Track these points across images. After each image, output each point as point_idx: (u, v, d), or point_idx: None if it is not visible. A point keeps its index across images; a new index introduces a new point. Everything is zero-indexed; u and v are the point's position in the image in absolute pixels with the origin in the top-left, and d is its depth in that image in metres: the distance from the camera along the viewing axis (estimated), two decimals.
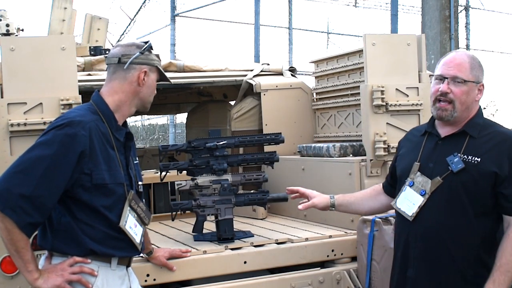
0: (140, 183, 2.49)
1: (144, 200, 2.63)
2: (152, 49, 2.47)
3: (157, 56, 2.49)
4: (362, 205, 2.88)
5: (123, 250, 2.35)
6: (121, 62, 2.39)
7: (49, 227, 2.28)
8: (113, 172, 2.30)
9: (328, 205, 2.90)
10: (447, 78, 2.45)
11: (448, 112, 2.45)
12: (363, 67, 3.60)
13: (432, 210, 2.45)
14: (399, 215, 2.57)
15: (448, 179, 2.42)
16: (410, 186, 2.52)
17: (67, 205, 2.25)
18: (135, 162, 2.53)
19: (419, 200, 2.47)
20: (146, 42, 2.46)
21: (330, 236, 3.30)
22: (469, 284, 2.40)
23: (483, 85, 2.50)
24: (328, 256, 3.25)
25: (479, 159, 2.39)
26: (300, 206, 2.93)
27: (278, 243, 3.20)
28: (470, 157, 2.40)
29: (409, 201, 2.51)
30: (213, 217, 3.27)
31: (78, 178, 2.22)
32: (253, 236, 3.31)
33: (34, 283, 2.20)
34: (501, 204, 2.38)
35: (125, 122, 2.47)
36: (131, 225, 2.34)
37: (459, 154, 2.41)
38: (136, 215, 2.38)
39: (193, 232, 3.32)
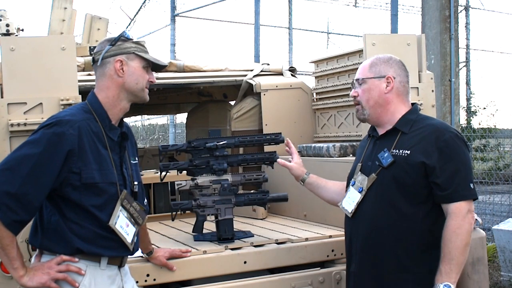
0: (135, 182, 2.47)
1: (146, 199, 2.63)
2: (129, 38, 2.42)
3: (137, 43, 2.44)
4: (327, 193, 3.04)
5: (113, 250, 2.35)
6: (95, 61, 2.40)
7: (40, 226, 2.29)
8: (104, 171, 2.30)
9: (300, 177, 3.09)
10: (353, 84, 2.68)
11: (359, 112, 2.67)
12: None
13: (367, 205, 2.57)
14: (345, 215, 2.71)
15: (381, 174, 2.55)
16: (352, 186, 2.68)
17: (57, 204, 2.26)
18: (134, 162, 2.53)
19: (357, 197, 2.62)
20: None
21: (330, 236, 3.30)
22: (410, 273, 2.48)
23: (390, 77, 2.62)
24: (328, 256, 3.25)
25: (408, 152, 2.50)
26: (278, 160, 3.21)
27: (278, 243, 3.20)
28: (400, 151, 2.52)
29: (350, 199, 2.66)
30: (213, 217, 3.27)
31: (67, 177, 2.22)
32: (253, 236, 3.31)
33: (20, 280, 2.21)
34: (436, 194, 2.45)
35: (122, 121, 2.47)
36: (122, 225, 2.34)
37: (389, 150, 2.54)
38: (128, 215, 2.37)
39: (193, 232, 3.32)
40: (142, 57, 2.42)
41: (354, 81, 2.68)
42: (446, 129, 2.52)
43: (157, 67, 2.49)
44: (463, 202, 2.41)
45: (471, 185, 2.45)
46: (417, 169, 2.45)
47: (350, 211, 2.64)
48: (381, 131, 2.66)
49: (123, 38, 2.40)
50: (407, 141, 2.53)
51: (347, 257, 2.73)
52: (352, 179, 2.69)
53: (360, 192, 2.61)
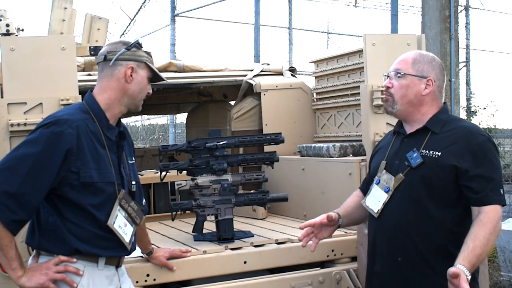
0: (133, 182, 2.47)
1: (145, 199, 2.63)
2: (141, 46, 2.44)
3: (148, 53, 2.46)
4: (357, 215, 2.76)
5: (111, 250, 2.34)
6: (107, 59, 2.39)
7: (37, 226, 2.28)
8: (103, 170, 2.30)
9: (336, 222, 2.73)
10: (389, 74, 2.56)
11: (388, 102, 2.54)
12: (363, 67, 3.60)
13: (395, 206, 2.50)
14: (369, 213, 2.63)
15: (409, 174, 2.47)
16: (377, 184, 2.58)
17: (55, 204, 2.26)
18: (131, 162, 2.52)
19: (384, 197, 2.53)
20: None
21: (330, 236, 3.30)
22: (439, 275, 2.38)
23: (431, 79, 2.52)
24: (328, 256, 3.25)
25: (439, 153, 2.42)
26: (308, 243, 2.73)
27: (278, 243, 3.20)
28: (430, 152, 2.44)
29: (376, 199, 2.57)
30: (213, 217, 3.27)
31: (65, 176, 2.22)
32: (253, 236, 3.31)
33: (18, 281, 2.21)
34: (468, 197, 2.39)
35: (119, 121, 2.46)
36: (120, 224, 2.34)
37: (418, 149, 2.46)
38: (126, 214, 2.37)
39: (193, 232, 3.32)
40: (150, 69, 2.44)
41: (392, 71, 2.55)
42: (479, 132, 2.47)
43: (154, 80, 2.51)
44: (496, 206, 2.36)
45: (501, 191, 2.40)
46: (448, 172, 2.39)
47: (376, 211, 2.55)
48: (409, 129, 2.57)
49: (137, 44, 2.42)
50: (438, 142, 2.46)
51: (370, 256, 2.63)
52: (376, 177, 2.59)
53: (386, 192, 2.52)
